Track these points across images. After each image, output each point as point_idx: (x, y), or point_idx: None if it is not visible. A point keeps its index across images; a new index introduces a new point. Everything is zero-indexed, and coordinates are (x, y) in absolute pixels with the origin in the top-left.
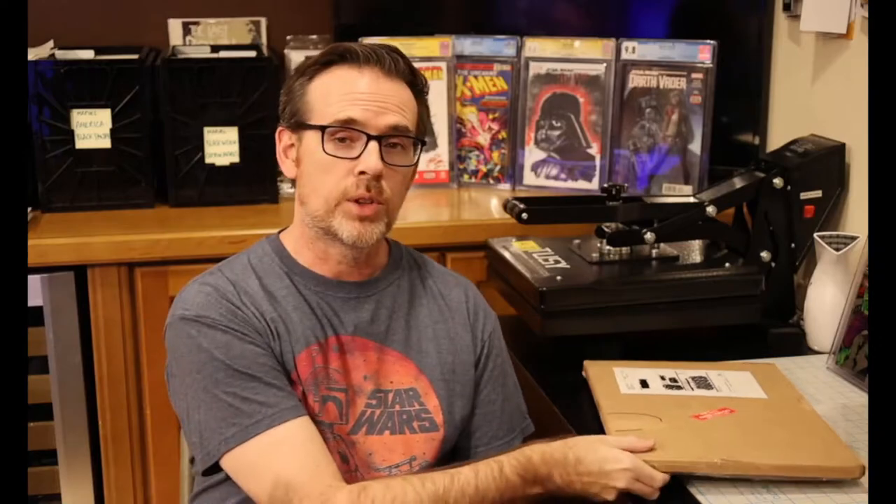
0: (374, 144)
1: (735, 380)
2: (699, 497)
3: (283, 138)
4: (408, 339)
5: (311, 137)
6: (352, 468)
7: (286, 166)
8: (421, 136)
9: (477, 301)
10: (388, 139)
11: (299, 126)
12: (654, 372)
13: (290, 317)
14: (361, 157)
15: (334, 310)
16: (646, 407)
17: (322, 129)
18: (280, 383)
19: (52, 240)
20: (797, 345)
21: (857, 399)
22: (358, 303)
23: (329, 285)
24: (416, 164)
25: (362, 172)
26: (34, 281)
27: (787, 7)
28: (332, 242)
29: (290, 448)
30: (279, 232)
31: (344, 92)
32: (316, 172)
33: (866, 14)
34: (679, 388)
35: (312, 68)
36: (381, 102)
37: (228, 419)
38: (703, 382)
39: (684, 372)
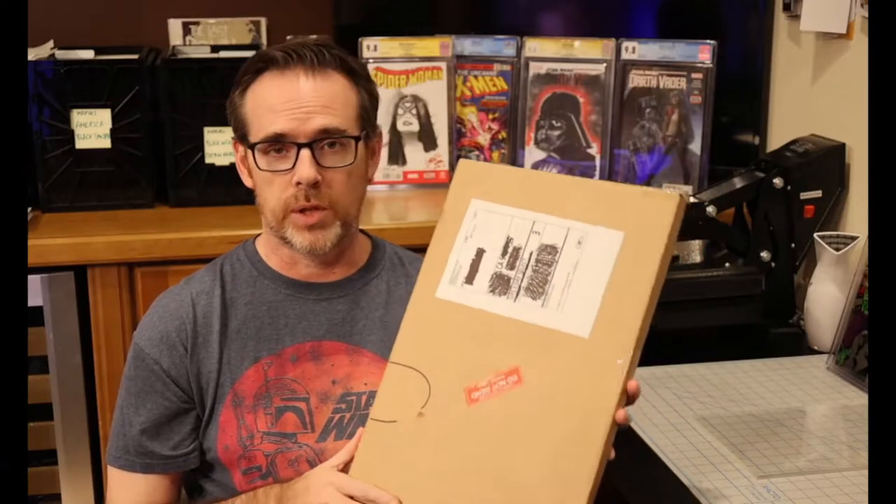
0: (305, 153)
1: (585, 272)
2: (698, 496)
3: (239, 149)
4: (383, 339)
5: (251, 152)
6: None
7: (243, 176)
8: (365, 127)
9: None
10: (321, 143)
11: (242, 140)
12: (508, 219)
13: (244, 331)
14: (295, 167)
15: (301, 315)
16: (436, 347)
17: (252, 147)
18: (154, 432)
19: (52, 240)
20: (797, 345)
21: (857, 399)
22: (330, 304)
23: (299, 288)
24: (369, 156)
25: (298, 183)
26: (34, 281)
27: (787, 7)
28: (293, 249)
29: (119, 492)
30: (256, 236)
31: (269, 104)
32: (261, 186)
33: (866, 14)
34: (507, 285)
35: (244, 79)
36: (305, 108)
37: (114, 438)
38: (541, 275)
39: (540, 234)
